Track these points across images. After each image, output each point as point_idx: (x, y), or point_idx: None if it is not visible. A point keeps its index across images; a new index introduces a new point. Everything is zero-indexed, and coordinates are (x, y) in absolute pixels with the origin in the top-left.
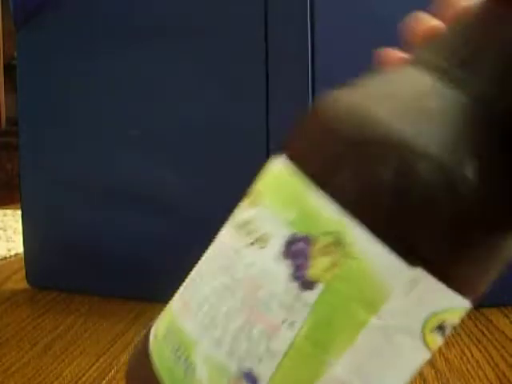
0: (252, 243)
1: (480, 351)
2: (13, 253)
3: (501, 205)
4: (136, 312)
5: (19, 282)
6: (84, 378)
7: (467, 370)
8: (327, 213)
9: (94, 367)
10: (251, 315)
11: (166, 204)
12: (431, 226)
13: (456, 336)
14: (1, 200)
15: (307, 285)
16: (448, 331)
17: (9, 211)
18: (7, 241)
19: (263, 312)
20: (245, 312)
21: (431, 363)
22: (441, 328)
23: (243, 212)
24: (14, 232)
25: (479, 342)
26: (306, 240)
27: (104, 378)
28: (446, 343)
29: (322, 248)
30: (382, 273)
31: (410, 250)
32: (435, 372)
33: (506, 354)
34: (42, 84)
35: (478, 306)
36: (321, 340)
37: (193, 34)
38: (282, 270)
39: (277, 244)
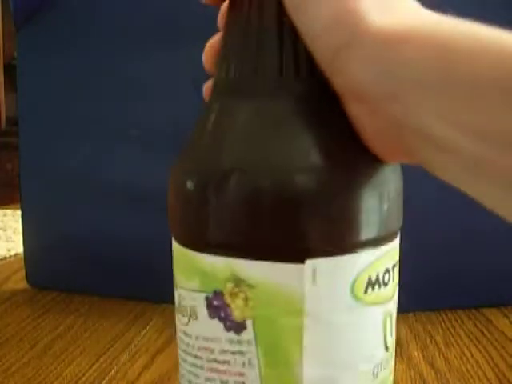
0: (188, 320)
1: (480, 351)
2: (13, 253)
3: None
4: (136, 312)
5: (19, 282)
6: (84, 378)
7: (467, 370)
8: (214, 266)
9: (94, 367)
10: (220, 375)
11: (166, 204)
12: (282, 226)
13: (456, 336)
14: (1, 200)
15: (240, 327)
16: (389, 274)
17: (9, 211)
18: (7, 241)
19: (227, 367)
20: (214, 375)
21: (431, 363)
22: (373, 281)
23: (175, 297)
24: (14, 232)
25: (479, 342)
26: (217, 295)
27: (104, 378)
28: (446, 343)
29: (230, 294)
30: (283, 283)
31: (286, 254)
32: (435, 372)
33: (505, 354)
34: (42, 84)
35: (478, 306)
36: (279, 359)
37: (193, 35)
38: (216, 327)
39: (201, 311)
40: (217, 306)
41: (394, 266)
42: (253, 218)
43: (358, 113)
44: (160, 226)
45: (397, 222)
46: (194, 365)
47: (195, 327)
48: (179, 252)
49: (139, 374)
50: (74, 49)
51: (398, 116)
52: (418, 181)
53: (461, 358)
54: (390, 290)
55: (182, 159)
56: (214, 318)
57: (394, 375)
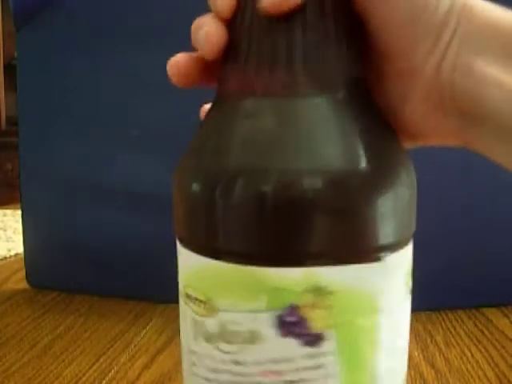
0: (243, 346)
1: (480, 351)
2: (13, 253)
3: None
4: (136, 312)
5: (19, 282)
6: (84, 378)
7: (467, 370)
8: (288, 279)
9: (94, 367)
10: None
11: (166, 204)
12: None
13: (456, 336)
14: (1, 200)
15: (319, 339)
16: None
17: (9, 211)
18: (7, 241)
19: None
20: None
21: (431, 363)
22: (411, 272)
23: (206, 325)
24: (14, 232)
25: (479, 342)
26: (292, 310)
27: (104, 378)
28: (446, 343)
29: (309, 305)
30: (359, 283)
31: (362, 254)
32: (435, 372)
33: (505, 354)
34: (42, 84)
35: (478, 306)
36: (357, 362)
37: None
38: (290, 345)
39: (268, 332)
40: (292, 322)
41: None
42: (324, 224)
43: (412, 71)
44: (160, 225)
45: (413, 224)
46: None
47: (256, 352)
48: (229, 271)
49: (139, 374)
50: (74, 49)
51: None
52: (418, 180)
53: (461, 358)
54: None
55: (203, 167)
56: (286, 336)
57: None
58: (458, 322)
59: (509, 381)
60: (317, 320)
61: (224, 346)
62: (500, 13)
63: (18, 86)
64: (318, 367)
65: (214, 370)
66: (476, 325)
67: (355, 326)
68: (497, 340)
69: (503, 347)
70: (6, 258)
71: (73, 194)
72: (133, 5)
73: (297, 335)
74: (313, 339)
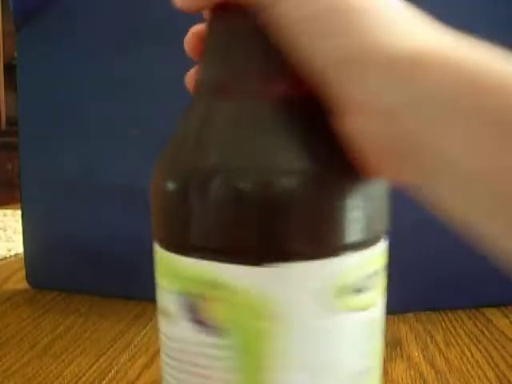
0: (169, 322)
1: (480, 351)
2: (13, 253)
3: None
4: (136, 312)
5: (19, 282)
6: (84, 378)
7: (467, 370)
8: (194, 269)
9: (94, 367)
10: (203, 379)
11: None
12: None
13: (456, 336)
14: (1, 200)
15: (219, 331)
16: (370, 280)
17: (9, 211)
18: (7, 241)
19: (210, 372)
20: (198, 380)
21: (431, 363)
22: (349, 287)
23: (157, 298)
24: (14, 232)
25: (479, 341)
26: (197, 298)
27: (104, 378)
28: (446, 343)
29: (210, 297)
30: (257, 286)
31: (260, 257)
32: (435, 372)
33: (505, 354)
34: (42, 84)
35: (478, 306)
36: (255, 364)
37: None
38: (197, 331)
39: (182, 314)
40: (196, 310)
41: (376, 271)
42: (231, 220)
43: (354, 125)
44: None
45: (378, 226)
46: (175, 367)
47: (176, 330)
48: (160, 254)
49: (139, 374)
50: (73, 49)
51: (409, 133)
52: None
53: (461, 358)
54: (373, 297)
55: (162, 160)
56: (190, 321)
57: (394, 375)
58: (457, 322)
59: (509, 381)
60: (217, 313)
61: (161, 319)
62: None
63: (18, 86)
64: (220, 358)
65: (163, 344)
66: (476, 325)
67: (251, 328)
68: (497, 340)
69: (503, 347)
70: (5, 258)
71: (73, 193)
72: (133, 5)
73: (201, 323)
74: (214, 330)
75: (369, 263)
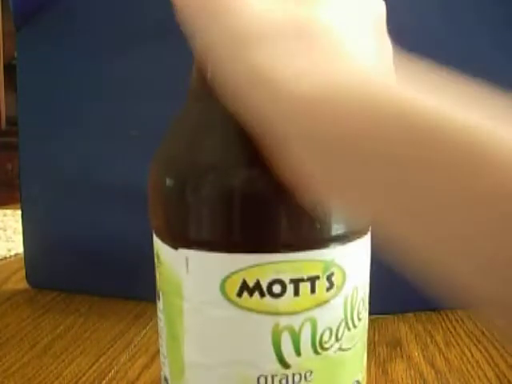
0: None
1: (480, 351)
2: (13, 253)
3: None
4: (136, 312)
5: (19, 282)
6: (84, 378)
7: (467, 370)
8: (156, 244)
9: (94, 367)
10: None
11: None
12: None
13: (456, 336)
14: (1, 200)
15: (158, 296)
16: (284, 286)
17: (9, 211)
18: (7, 241)
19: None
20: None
21: (431, 363)
22: (250, 287)
23: None
24: (14, 232)
25: (479, 342)
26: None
27: (104, 378)
28: (446, 343)
29: (156, 268)
30: (172, 265)
31: (173, 239)
32: (435, 372)
33: (505, 354)
34: (42, 84)
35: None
36: (173, 334)
37: None
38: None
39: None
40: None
41: (298, 280)
42: (162, 204)
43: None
44: None
45: (308, 232)
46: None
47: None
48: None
49: (139, 374)
50: (73, 49)
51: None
52: None
53: (461, 358)
54: (287, 304)
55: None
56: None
57: (394, 375)
58: (457, 322)
59: (509, 381)
60: (157, 280)
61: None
62: None
63: (18, 86)
64: (159, 319)
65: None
66: (476, 325)
67: (169, 301)
68: (497, 340)
69: (503, 347)
70: (5, 258)
71: (73, 193)
72: (133, 5)
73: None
74: (158, 294)
75: (285, 268)
